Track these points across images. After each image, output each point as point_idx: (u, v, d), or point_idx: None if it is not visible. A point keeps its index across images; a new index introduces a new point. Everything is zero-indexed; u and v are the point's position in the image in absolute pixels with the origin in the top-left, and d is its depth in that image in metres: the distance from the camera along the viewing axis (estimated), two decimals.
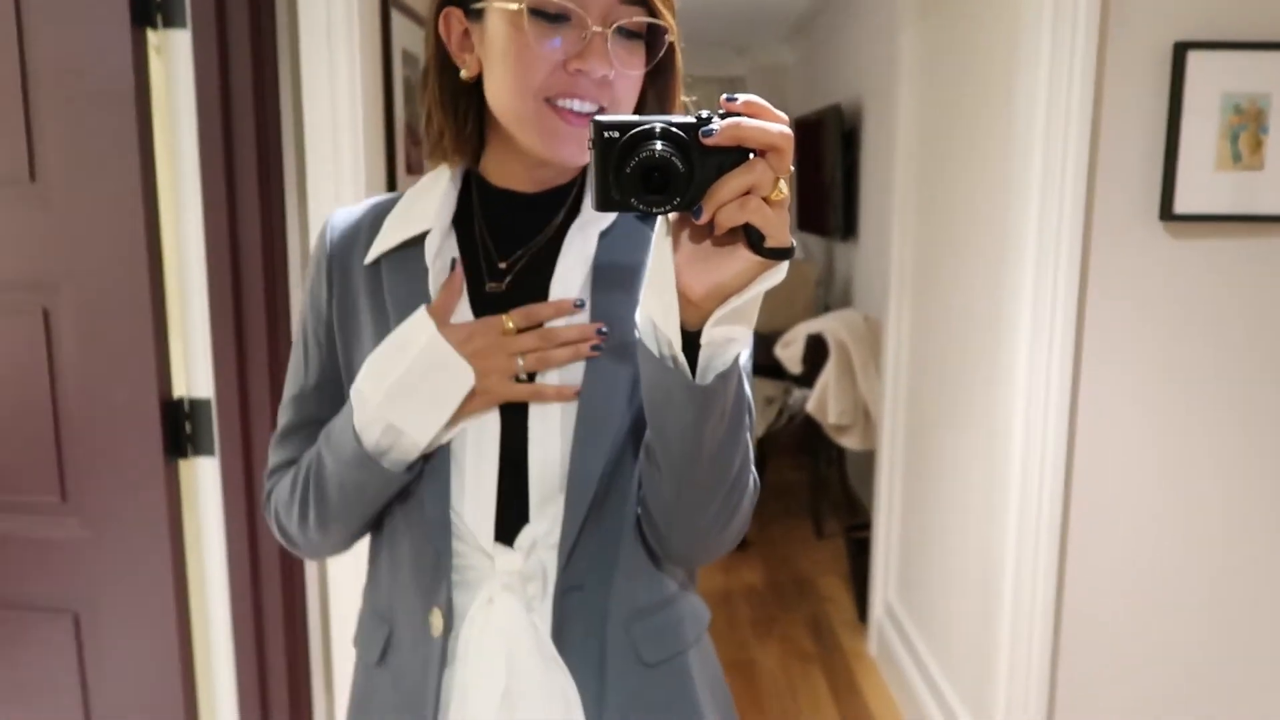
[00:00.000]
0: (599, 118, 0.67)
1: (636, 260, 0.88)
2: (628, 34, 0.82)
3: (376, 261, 0.90)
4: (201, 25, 1.63)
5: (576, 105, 0.81)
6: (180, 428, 1.77)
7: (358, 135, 1.72)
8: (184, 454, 1.78)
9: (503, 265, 0.89)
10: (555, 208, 0.90)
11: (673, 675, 0.90)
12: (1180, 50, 1.76)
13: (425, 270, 0.88)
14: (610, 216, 0.90)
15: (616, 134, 0.66)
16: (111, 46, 1.59)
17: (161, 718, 1.81)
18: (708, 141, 0.65)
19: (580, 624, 0.86)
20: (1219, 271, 1.85)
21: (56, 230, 1.66)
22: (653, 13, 0.82)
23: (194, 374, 1.76)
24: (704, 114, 0.67)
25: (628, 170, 0.66)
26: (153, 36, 1.66)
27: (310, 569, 1.89)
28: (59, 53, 1.60)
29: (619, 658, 0.87)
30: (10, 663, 1.83)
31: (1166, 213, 1.80)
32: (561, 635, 0.86)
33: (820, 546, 4.00)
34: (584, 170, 0.90)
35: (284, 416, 0.97)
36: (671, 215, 0.70)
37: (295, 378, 0.96)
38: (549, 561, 0.86)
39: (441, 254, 0.88)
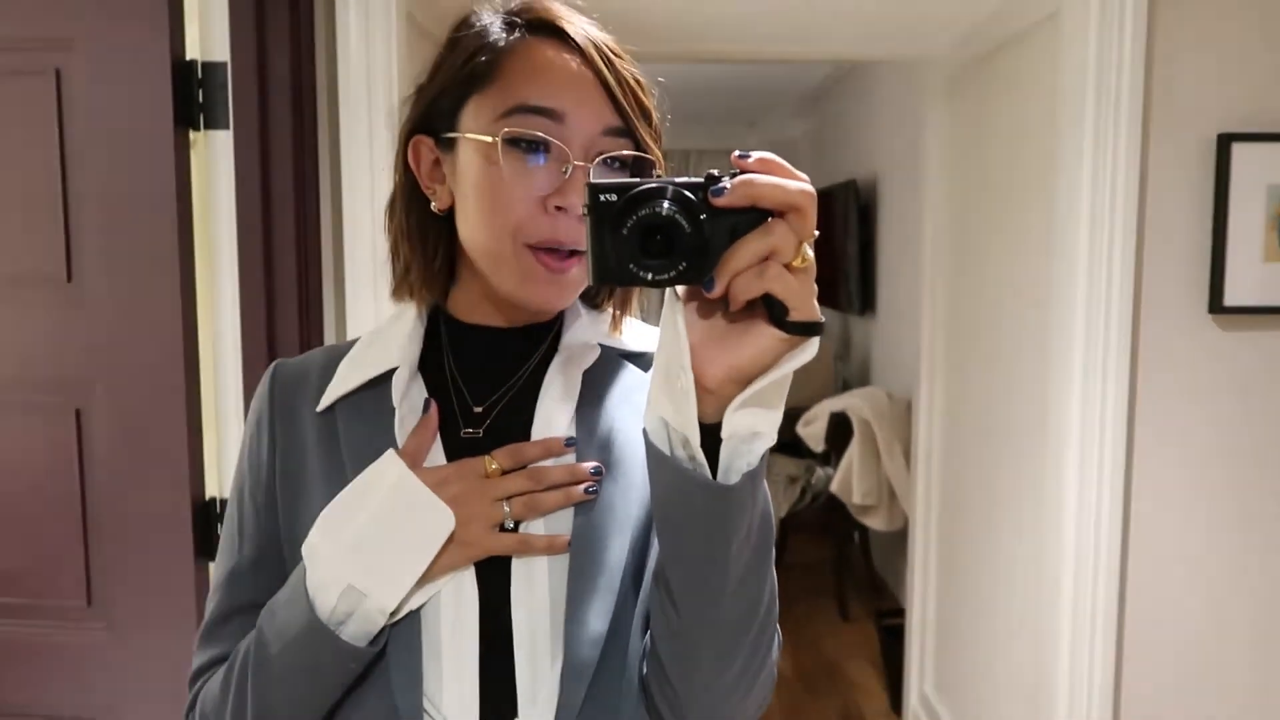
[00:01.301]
0: (595, 180, 0.59)
1: (624, 399, 0.80)
2: (611, 167, 0.75)
3: (331, 409, 0.79)
4: (244, 126, 1.63)
5: (557, 248, 0.74)
6: (211, 529, 1.72)
7: None
8: (214, 557, 1.73)
9: (478, 409, 0.80)
10: (533, 345, 0.82)
11: None
12: (1224, 142, 1.75)
13: (390, 413, 0.77)
14: (594, 350, 0.81)
15: (614, 196, 0.57)
16: (153, 148, 1.59)
17: None
18: (718, 202, 0.56)
19: None
20: (1270, 363, 1.82)
21: (91, 330, 1.64)
22: (639, 145, 0.75)
23: (226, 473, 1.73)
24: (714, 172, 0.58)
25: (625, 232, 0.57)
26: (192, 136, 1.66)
27: None
28: (100, 154, 1.60)
29: None
30: None
31: (1216, 305, 1.78)
32: None
33: (847, 629, 3.91)
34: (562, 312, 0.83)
35: (212, 604, 0.83)
36: (680, 288, 0.60)
37: (227, 555, 0.82)
38: None
39: (409, 395, 0.79)
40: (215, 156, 1.65)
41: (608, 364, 0.82)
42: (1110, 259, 1.79)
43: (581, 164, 0.73)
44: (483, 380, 0.81)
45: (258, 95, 1.64)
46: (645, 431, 0.64)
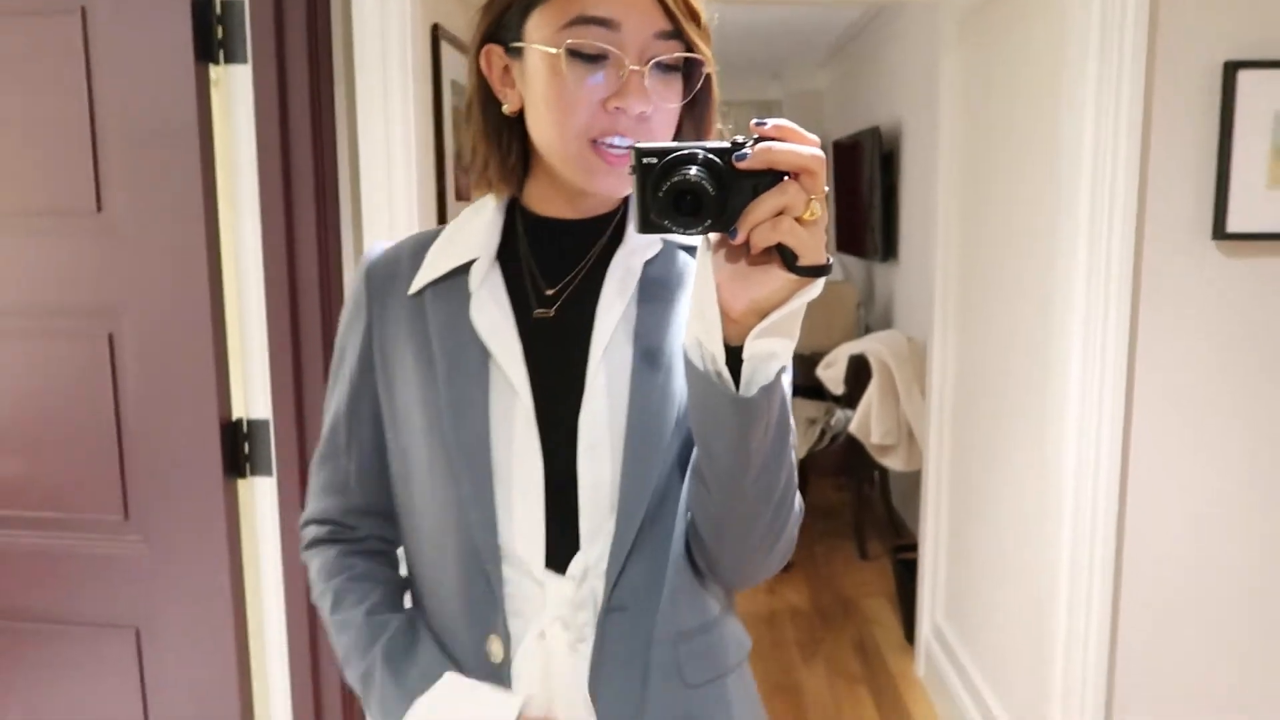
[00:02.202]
0: (639, 145, 0.69)
1: (679, 285, 0.89)
2: (664, 68, 0.82)
3: (419, 292, 0.90)
4: (261, 60, 1.69)
5: (617, 141, 0.82)
6: (239, 448, 1.81)
7: (410, 164, 1.77)
8: (242, 474, 1.83)
9: (550, 292, 0.89)
10: (598, 234, 0.91)
11: (713, 699, 0.88)
12: (1230, 70, 1.76)
13: (469, 297, 0.88)
14: (656, 244, 0.90)
15: (654, 160, 0.68)
16: (175, 82, 1.65)
17: None
18: (741, 166, 0.67)
19: (624, 645, 0.84)
20: (1272, 289, 1.83)
21: (121, 258, 1.72)
22: (689, 47, 0.82)
23: (252, 395, 1.81)
24: (739, 139, 0.68)
25: (661, 194, 0.68)
26: (213, 71, 1.72)
27: None
28: (125, 89, 1.66)
29: (663, 678, 0.85)
30: (73, 678, 1.88)
31: (1219, 231, 1.79)
32: (604, 656, 0.84)
33: (864, 568, 3.97)
34: (626, 198, 0.91)
35: (322, 441, 0.98)
36: (711, 236, 0.71)
37: (330, 404, 0.97)
38: (599, 589, 0.84)
39: (487, 282, 0.89)
40: (235, 90, 1.71)
41: (668, 254, 0.91)
42: (1113, 186, 1.81)
43: (637, 68, 0.80)
44: (554, 266, 0.90)
45: (275, 30, 1.69)
46: (684, 348, 0.75)
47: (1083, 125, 1.82)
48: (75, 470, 1.81)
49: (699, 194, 0.67)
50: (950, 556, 2.87)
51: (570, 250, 0.90)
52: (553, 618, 0.84)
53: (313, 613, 1.84)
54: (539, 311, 0.89)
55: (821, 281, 0.69)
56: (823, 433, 4.15)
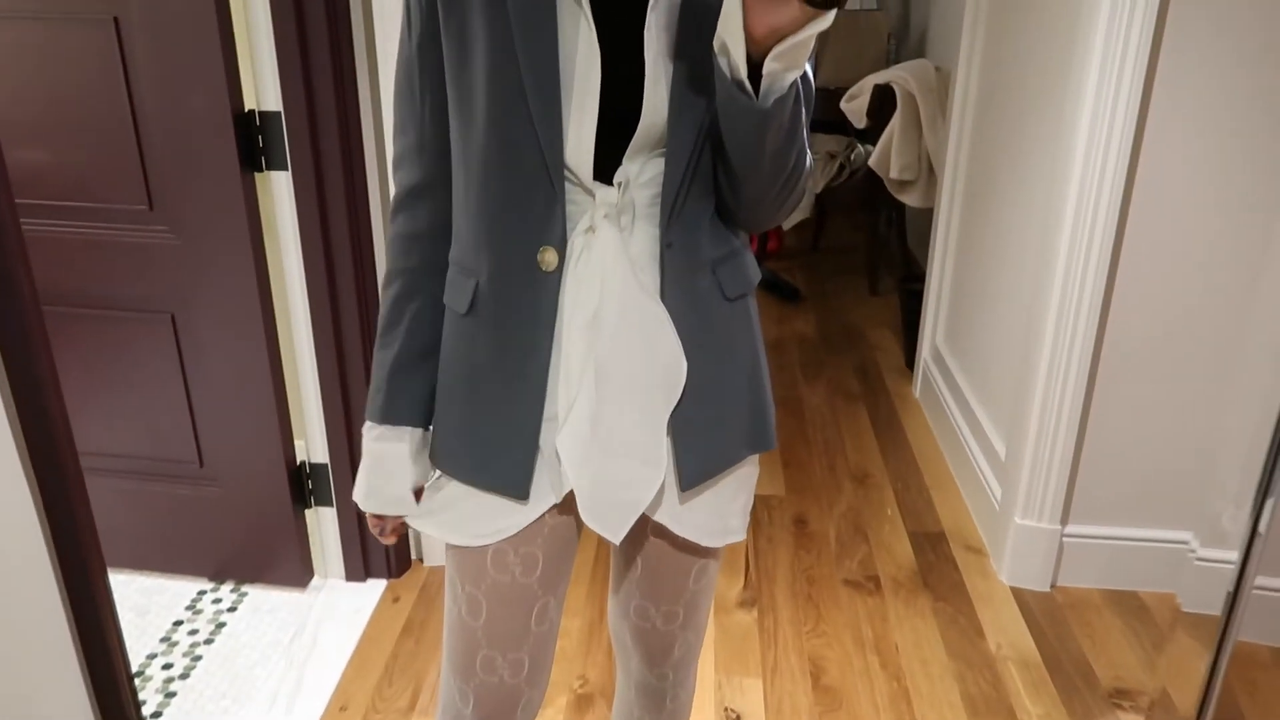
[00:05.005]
0: None
1: None
2: None
3: None
4: None
5: None
6: (254, 140, 1.85)
7: None
8: (259, 167, 1.87)
9: None
10: None
11: (742, 310, 1.06)
12: None
13: None
14: None
15: None
16: None
17: (254, 404, 2.00)
18: None
19: (676, 270, 0.98)
20: None
21: None
22: None
23: (263, 86, 1.82)
24: None
25: None
26: None
27: (380, 259, 2.00)
28: None
29: (708, 294, 1.02)
30: (118, 358, 2.02)
31: None
32: (664, 282, 0.98)
33: (874, 302, 4.06)
34: None
35: (396, 95, 1.01)
36: None
37: (400, 52, 1.00)
38: (638, 199, 0.96)
39: None
40: None
41: None
42: None
43: None
44: None
45: None
46: (714, 53, 0.84)
47: None
48: (96, 159, 1.86)
49: None
50: (955, 282, 2.93)
51: None
52: (602, 216, 0.95)
53: (335, 299, 1.95)
54: None
55: (832, 14, 0.78)
56: (841, 167, 4.11)
